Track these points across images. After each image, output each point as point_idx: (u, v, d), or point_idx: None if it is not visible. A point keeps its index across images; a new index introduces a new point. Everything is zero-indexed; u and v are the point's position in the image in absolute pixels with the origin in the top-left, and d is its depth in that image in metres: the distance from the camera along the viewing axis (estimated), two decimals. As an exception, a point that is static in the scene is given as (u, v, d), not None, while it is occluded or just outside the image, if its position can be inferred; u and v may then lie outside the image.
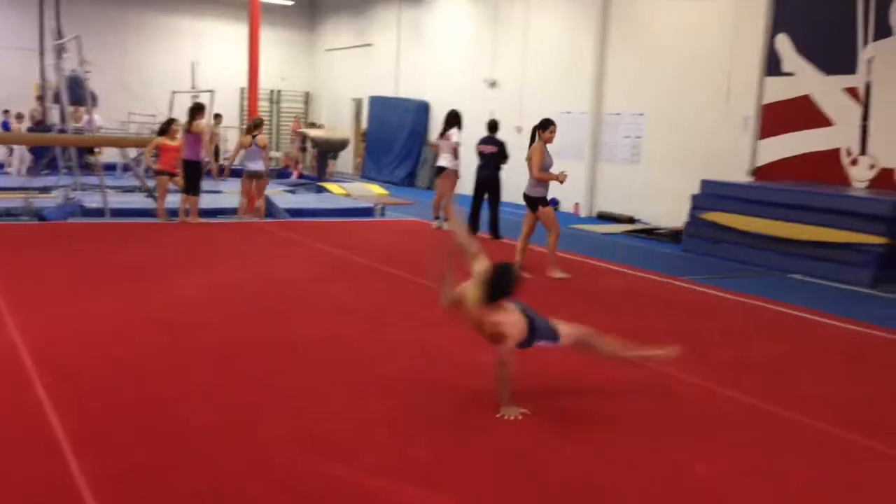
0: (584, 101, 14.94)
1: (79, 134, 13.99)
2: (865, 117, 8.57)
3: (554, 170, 8.51)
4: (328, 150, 19.17)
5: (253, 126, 12.04)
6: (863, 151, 8.58)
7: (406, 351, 5.45)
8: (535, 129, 8.53)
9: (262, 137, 11.80)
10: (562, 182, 8.37)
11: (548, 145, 8.44)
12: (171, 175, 11.15)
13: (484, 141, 11.32)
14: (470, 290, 4.34)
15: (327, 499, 3.30)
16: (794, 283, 9.04)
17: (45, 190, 13.39)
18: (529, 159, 8.39)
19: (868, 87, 8.55)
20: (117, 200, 12.40)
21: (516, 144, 14.98)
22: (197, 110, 11.46)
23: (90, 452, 3.60)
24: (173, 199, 11.48)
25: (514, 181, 14.32)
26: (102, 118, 17.49)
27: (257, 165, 11.67)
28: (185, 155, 11.12)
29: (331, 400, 4.43)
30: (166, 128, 11.35)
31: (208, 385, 4.57)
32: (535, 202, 8.38)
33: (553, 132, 8.42)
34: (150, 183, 12.88)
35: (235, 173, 17.83)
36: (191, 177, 11.13)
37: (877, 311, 7.64)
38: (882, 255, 8.83)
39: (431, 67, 19.38)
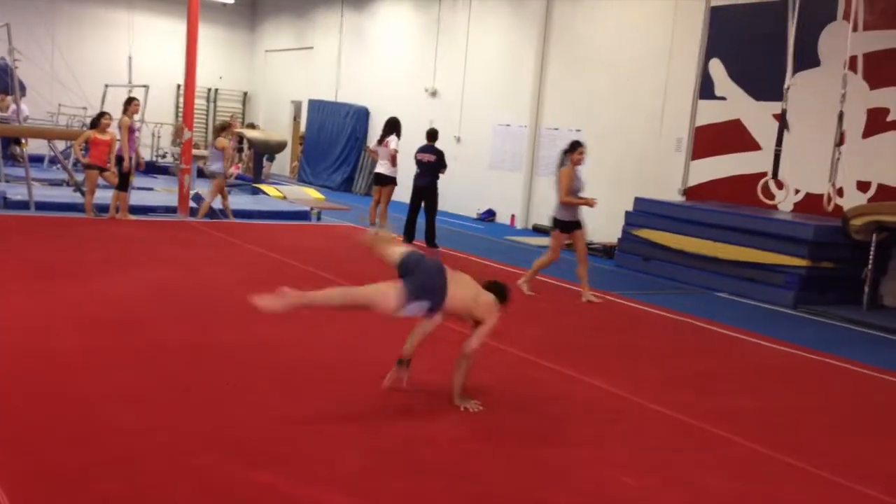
0: (523, 115, 15.08)
1: (5, 123, 13.53)
2: (779, 143, 8.93)
3: (584, 193, 8.27)
4: (265, 151, 18.93)
5: (220, 128, 12.24)
6: (775, 175, 8.94)
7: (337, 357, 5.40)
8: (564, 152, 8.33)
9: (220, 140, 11.86)
10: (592, 206, 8.16)
11: (578, 168, 8.16)
12: (101, 170, 10.85)
13: (422, 150, 11.32)
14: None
15: (253, 506, 3.23)
16: (721, 301, 9.27)
17: (-34, 180, 12.91)
18: (559, 182, 8.13)
19: (784, 114, 8.94)
20: (43, 193, 12.02)
21: (454, 154, 15.08)
22: (126, 104, 11.23)
23: (6, 452, 3.46)
24: (103, 195, 11.18)
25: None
26: (30, 108, 16.93)
27: (214, 166, 11.78)
28: (118, 150, 10.85)
29: (259, 406, 4.35)
30: (97, 121, 11.05)
31: (132, 387, 4.44)
32: (565, 226, 8.16)
33: (582, 154, 8.14)
34: (79, 177, 12.52)
35: (163, 170, 17.52)
36: (121, 172, 10.86)
37: (798, 331, 7.88)
38: (804, 277, 9.12)
39: (372, 73, 19.32)
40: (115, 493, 3.21)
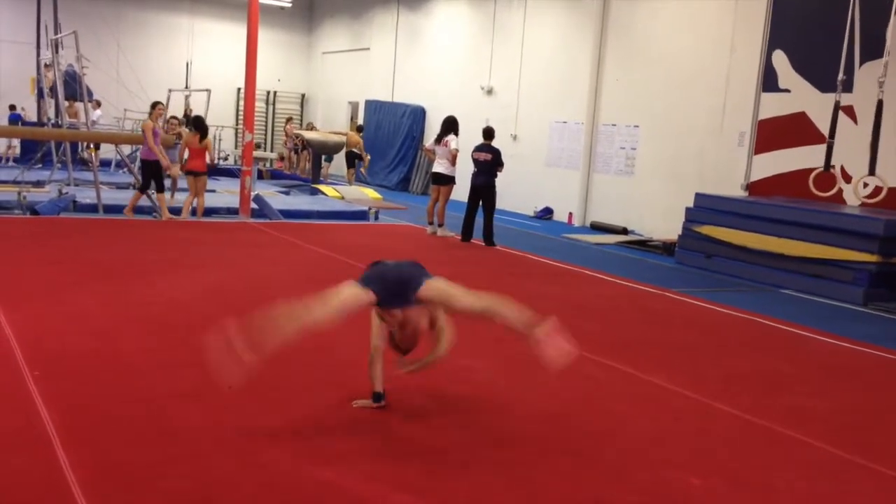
0: (579, 112, 14.97)
1: (74, 129, 13.95)
2: (832, 136, 8.69)
3: None
4: (323, 152, 19.15)
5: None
6: (826, 168, 8.72)
7: (394, 358, 5.41)
8: None
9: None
10: None
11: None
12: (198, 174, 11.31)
13: (479, 148, 11.31)
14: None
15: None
16: (787, 298, 9.06)
17: (38, 184, 13.33)
18: None
19: (837, 106, 8.71)
20: (111, 197, 12.35)
21: (511, 152, 15.04)
22: (151, 108, 11.71)
23: (79, 447, 3.57)
24: (178, 199, 11.48)
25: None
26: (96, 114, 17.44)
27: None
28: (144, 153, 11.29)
29: (320, 404, 4.39)
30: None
31: (196, 386, 4.52)
32: None
33: None
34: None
35: (230, 172, 17.84)
36: (149, 174, 11.18)
37: (868, 328, 7.65)
38: (874, 273, 8.86)
39: (428, 73, 19.38)
40: (183, 490, 3.27)
